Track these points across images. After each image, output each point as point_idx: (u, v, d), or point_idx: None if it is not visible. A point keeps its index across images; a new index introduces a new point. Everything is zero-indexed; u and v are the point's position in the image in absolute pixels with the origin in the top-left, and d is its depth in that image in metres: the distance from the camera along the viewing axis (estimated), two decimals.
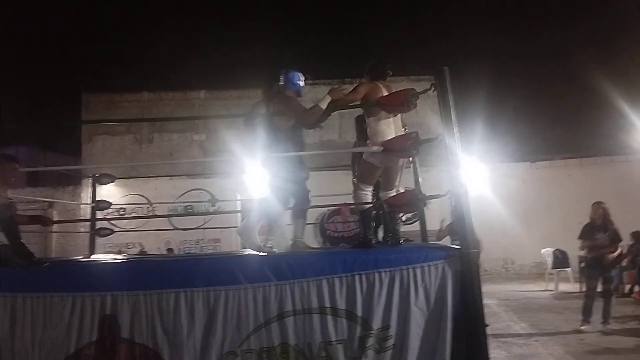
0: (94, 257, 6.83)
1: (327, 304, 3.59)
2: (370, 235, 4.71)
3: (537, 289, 12.59)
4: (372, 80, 4.69)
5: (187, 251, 15.33)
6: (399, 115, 4.65)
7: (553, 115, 22.77)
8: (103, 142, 17.35)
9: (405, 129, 4.85)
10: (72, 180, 16.58)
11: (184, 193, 15.42)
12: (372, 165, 4.52)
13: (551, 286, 12.27)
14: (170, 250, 14.71)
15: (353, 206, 5.11)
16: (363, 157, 4.62)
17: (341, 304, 3.60)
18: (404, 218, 6.46)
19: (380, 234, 5.41)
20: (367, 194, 4.74)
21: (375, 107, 4.45)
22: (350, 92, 4.62)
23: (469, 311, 3.56)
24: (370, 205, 4.86)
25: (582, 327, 7.52)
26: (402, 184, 5.04)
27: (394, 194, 4.78)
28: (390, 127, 4.51)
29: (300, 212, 4.93)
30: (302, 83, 5.01)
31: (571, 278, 11.97)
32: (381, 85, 4.63)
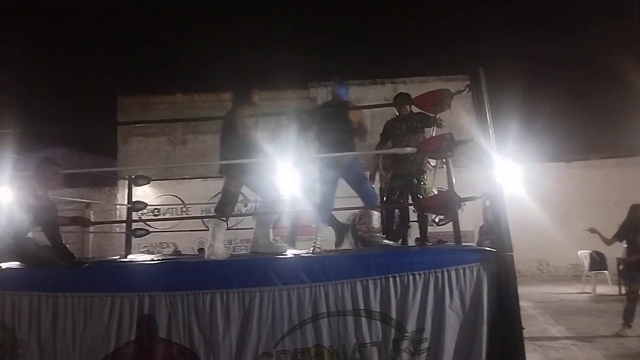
0: (130, 257, 6.97)
1: (361, 306, 3.59)
2: (390, 236, 4.75)
3: (573, 292, 12.35)
4: None
5: None
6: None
7: (590, 114, 22.22)
8: (138, 144, 17.64)
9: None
10: (109, 181, 16.90)
11: (217, 194, 15.50)
12: None
13: (588, 288, 12.02)
14: (202, 250, 14.85)
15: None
16: None
17: (375, 306, 3.60)
18: (436, 219, 6.43)
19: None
20: None
21: None
22: None
23: (505, 314, 3.52)
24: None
25: (623, 331, 7.35)
26: (436, 185, 5.02)
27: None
28: None
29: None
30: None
31: (609, 280, 11.70)
32: None
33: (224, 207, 5.05)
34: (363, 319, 3.58)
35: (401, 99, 5.53)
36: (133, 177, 7.69)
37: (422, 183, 5.38)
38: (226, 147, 4.94)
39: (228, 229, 14.38)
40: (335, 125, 5.06)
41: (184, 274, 3.82)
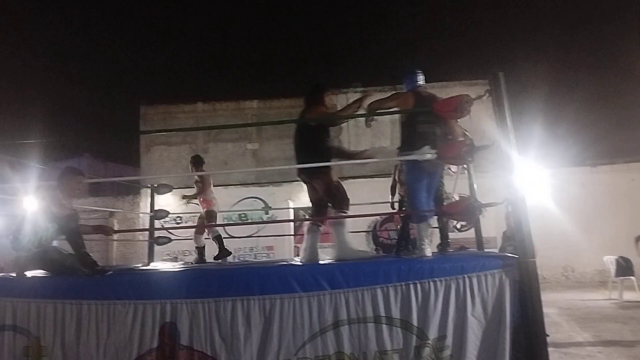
0: (152, 264, 7.04)
1: (382, 313, 3.58)
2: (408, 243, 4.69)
3: (599, 298, 12.11)
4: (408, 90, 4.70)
5: (242, 259, 15.55)
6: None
7: (615, 117, 21.92)
8: (160, 153, 17.83)
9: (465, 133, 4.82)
10: (132, 190, 17.12)
11: (238, 201, 15.69)
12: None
13: (615, 295, 11.78)
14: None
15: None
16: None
17: (396, 313, 3.59)
18: (458, 225, 6.39)
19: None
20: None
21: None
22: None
23: (528, 321, 3.47)
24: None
25: None
26: (457, 191, 4.99)
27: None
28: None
29: None
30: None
31: (636, 286, 11.46)
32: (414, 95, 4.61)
33: (320, 210, 5.02)
34: (384, 325, 3.56)
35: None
36: (155, 185, 7.80)
37: (442, 188, 5.33)
38: (303, 152, 4.92)
39: (249, 236, 14.46)
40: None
41: (205, 282, 3.84)
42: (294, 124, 5.29)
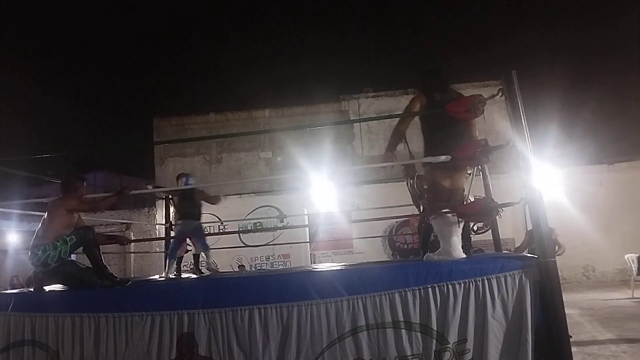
0: (170, 276, 7.05)
1: (401, 318, 3.53)
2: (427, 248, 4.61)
3: (621, 297, 11.93)
4: (423, 93, 4.55)
5: (258, 268, 15.56)
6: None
7: (632, 115, 21.63)
8: (174, 164, 17.96)
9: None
10: (147, 202, 17.22)
11: (253, 210, 15.71)
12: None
13: (637, 293, 11.60)
14: (241, 267, 14.98)
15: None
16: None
17: (415, 317, 3.54)
18: (475, 227, 6.31)
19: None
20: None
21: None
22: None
23: (550, 322, 3.41)
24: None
25: None
26: (472, 193, 4.91)
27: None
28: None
29: None
30: None
31: None
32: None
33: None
34: (403, 331, 3.52)
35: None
36: (170, 197, 7.82)
37: None
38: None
39: (265, 244, 14.44)
40: None
41: (222, 291, 3.83)
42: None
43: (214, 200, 7.40)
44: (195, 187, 7.78)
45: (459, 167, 4.39)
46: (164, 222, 8.17)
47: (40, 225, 4.47)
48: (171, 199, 7.92)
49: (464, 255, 4.23)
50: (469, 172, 4.74)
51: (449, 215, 4.24)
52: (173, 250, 7.17)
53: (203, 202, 7.27)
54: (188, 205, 7.16)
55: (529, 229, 7.35)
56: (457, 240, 4.24)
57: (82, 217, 4.85)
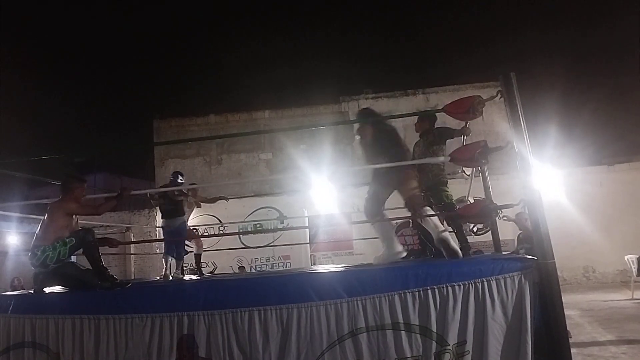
0: (170, 277, 7.07)
1: (400, 320, 3.54)
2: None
3: (622, 298, 11.91)
4: None
5: (258, 269, 15.55)
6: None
7: (632, 116, 21.62)
8: (174, 166, 17.92)
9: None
10: (147, 204, 17.20)
11: (253, 211, 15.72)
12: None
13: (637, 295, 11.58)
14: (242, 268, 14.97)
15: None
16: None
17: (414, 319, 3.54)
18: (475, 229, 6.32)
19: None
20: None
21: None
22: None
23: (549, 323, 3.41)
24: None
25: None
26: (472, 194, 4.93)
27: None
28: None
29: None
30: None
31: None
32: None
33: None
34: (403, 332, 3.52)
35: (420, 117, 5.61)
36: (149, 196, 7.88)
37: (443, 193, 5.27)
38: None
39: (265, 246, 14.41)
40: None
41: (222, 293, 3.82)
42: None
43: (209, 200, 7.52)
44: (197, 186, 7.85)
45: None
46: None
47: (39, 226, 4.48)
48: (151, 197, 8.07)
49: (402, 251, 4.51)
50: (468, 173, 4.77)
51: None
52: (168, 251, 7.22)
53: (187, 200, 7.38)
54: (166, 202, 7.31)
55: (519, 233, 7.37)
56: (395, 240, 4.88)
57: (82, 219, 4.85)
